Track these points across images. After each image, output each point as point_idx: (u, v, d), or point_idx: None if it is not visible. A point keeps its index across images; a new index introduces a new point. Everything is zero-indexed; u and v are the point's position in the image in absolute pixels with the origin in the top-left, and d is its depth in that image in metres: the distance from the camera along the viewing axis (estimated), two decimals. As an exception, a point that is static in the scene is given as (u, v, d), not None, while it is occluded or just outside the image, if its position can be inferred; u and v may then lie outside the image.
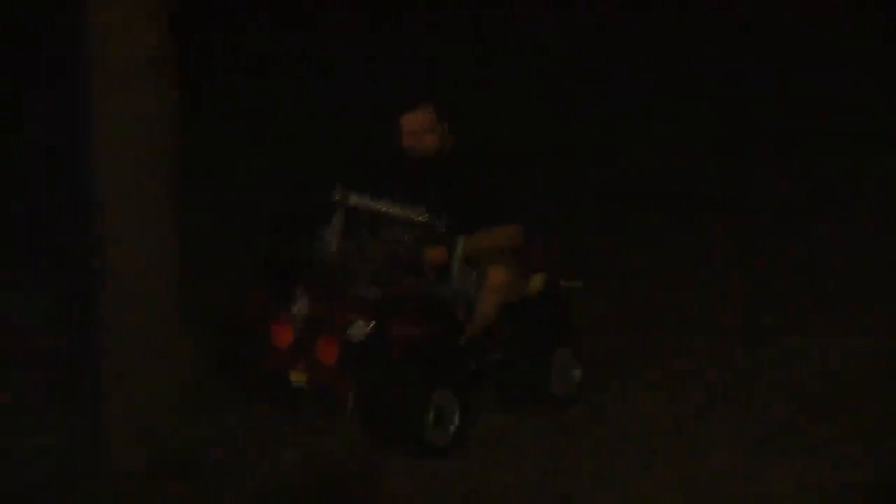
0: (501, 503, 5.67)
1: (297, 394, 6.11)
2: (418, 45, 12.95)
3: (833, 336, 7.42)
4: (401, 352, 5.93)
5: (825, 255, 8.78)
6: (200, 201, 7.37)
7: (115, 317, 5.57)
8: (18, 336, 6.97)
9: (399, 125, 6.38)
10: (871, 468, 5.94)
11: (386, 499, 5.66)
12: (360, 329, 5.95)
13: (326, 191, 6.31)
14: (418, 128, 6.35)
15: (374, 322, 5.94)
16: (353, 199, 6.24)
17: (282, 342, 6.07)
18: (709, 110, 12.16)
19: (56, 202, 8.06)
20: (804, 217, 9.50)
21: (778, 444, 6.14)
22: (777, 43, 13.51)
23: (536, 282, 6.50)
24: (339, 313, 6.01)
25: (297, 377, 6.00)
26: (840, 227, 9.30)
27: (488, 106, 11.35)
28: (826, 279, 8.36)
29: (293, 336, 6.05)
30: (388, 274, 6.21)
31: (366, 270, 6.22)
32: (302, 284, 6.16)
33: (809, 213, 9.62)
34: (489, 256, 6.25)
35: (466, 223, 6.20)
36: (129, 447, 5.66)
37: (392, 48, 12.91)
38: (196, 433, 5.82)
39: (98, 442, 5.70)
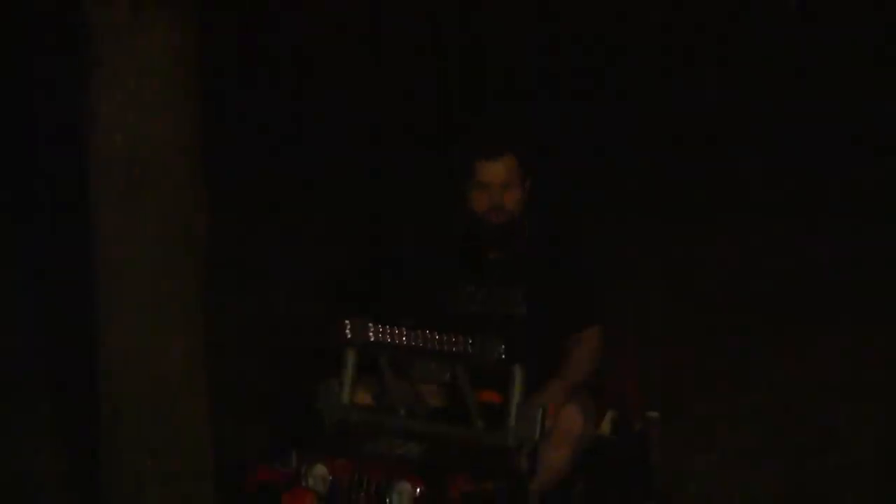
0: None
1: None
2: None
3: None
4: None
5: None
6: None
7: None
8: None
9: (464, 183, 4.97)
10: None
11: None
12: (407, 494, 4.57)
13: (332, 328, 4.95)
14: (501, 180, 4.90)
15: (421, 485, 4.57)
16: (370, 335, 4.87)
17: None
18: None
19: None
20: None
21: None
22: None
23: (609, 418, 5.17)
24: (373, 475, 4.63)
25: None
26: None
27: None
28: None
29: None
30: (425, 424, 4.87)
31: (395, 421, 4.87)
32: (316, 445, 4.80)
33: None
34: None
35: (552, 325, 4.92)
36: None
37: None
38: None
39: None
